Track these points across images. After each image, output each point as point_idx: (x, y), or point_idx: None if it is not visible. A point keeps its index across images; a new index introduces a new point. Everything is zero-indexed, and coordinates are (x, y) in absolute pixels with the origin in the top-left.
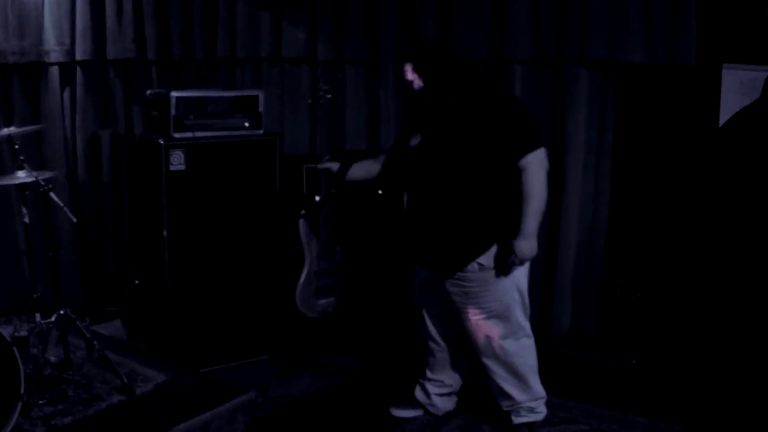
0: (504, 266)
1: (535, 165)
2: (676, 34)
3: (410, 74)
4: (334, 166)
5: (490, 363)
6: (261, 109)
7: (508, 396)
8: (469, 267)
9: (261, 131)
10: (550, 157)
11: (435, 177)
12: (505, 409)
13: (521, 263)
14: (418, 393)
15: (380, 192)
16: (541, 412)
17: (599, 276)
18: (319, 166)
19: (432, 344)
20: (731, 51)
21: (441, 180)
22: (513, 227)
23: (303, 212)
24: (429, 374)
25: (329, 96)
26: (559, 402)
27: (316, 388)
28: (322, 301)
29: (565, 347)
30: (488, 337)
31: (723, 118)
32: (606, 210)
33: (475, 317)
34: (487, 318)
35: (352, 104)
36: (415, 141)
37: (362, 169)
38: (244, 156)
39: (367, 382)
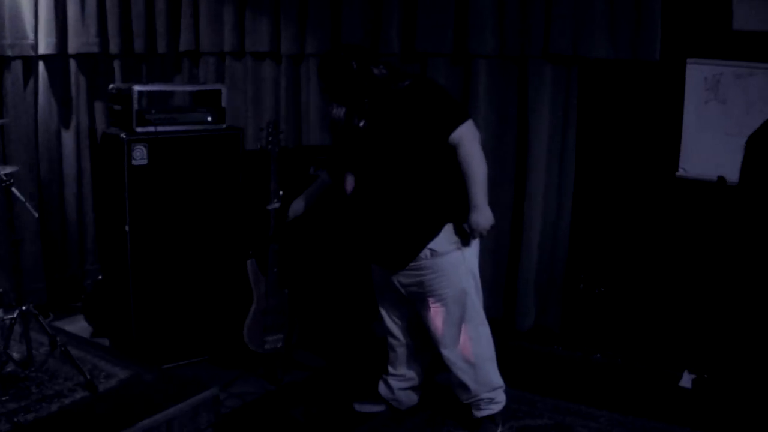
0: (467, 243)
1: (468, 137)
2: (640, 29)
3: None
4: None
5: (448, 354)
6: (224, 103)
7: (466, 388)
8: (421, 255)
9: (224, 126)
10: (514, 152)
11: (374, 168)
12: (465, 402)
13: (482, 235)
14: (382, 389)
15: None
16: (500, 401)
17: (563, 270)
18: (268, 207)
19: (391, 340)
20: (696, 46)
21: (380, 171)
22: (460, 208)
23: (250, 252)
24: (391, 370)
25: (274, 143)
26: (524, 396)
27: (280, 385)
28: (271, 338)
29: (529, 342)
30: (447, 326)
31: (687, 113)
32: (569, 204)
33: (433, 306)
34: (445, 305)
35: (315, 99)
36: (360, 125)
37: (303, 203)
38: (207, 150)
39: (330, 379)
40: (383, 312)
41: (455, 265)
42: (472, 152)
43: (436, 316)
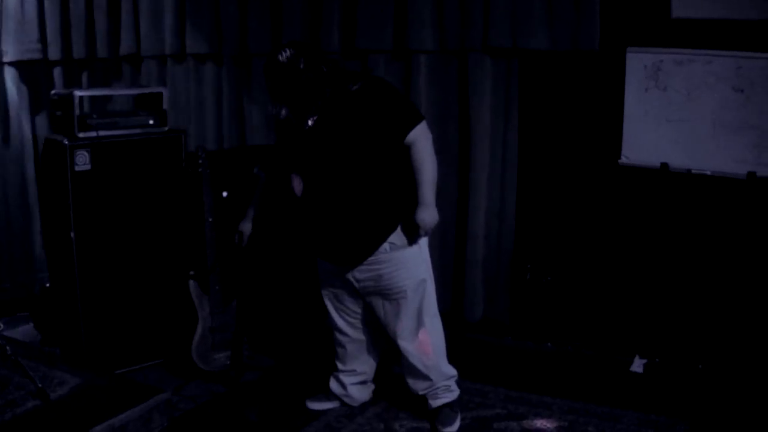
0: (412, 239)
1: (423, 137)
2: (579, 20)
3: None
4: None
5: (407, 345)
6: (165, 106)
7: (426, 378)
8: (381, 249)
9: (166, 128)
10: (457, 146)
11: (328, 167)
12: (420, 393)
13: (426, 233)
14: (333, 385)
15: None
16: (455, 390)
17: (509, 261)
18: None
19: (340, 336)
20: (635, 35)
21: (335, 170)
22: (415, 202)
23: (191, 273)
24: (340, 366)
25: (205, 166)
26: (476, 387)
27: (232, 385)
28: (219, 356)
29: (479, 333)
30: (406, 317)
31: (628, 101)
32: (513, 196)
33: (392, 299)
34: (405, 296)
35: (258, 99)
36: (309, 125)
37: (250, 223)
38: (150, 154)
39: (281, 378)
40: (331, 309)
41: (414, 257)
42: (425, 152)
43: (397, 308)
